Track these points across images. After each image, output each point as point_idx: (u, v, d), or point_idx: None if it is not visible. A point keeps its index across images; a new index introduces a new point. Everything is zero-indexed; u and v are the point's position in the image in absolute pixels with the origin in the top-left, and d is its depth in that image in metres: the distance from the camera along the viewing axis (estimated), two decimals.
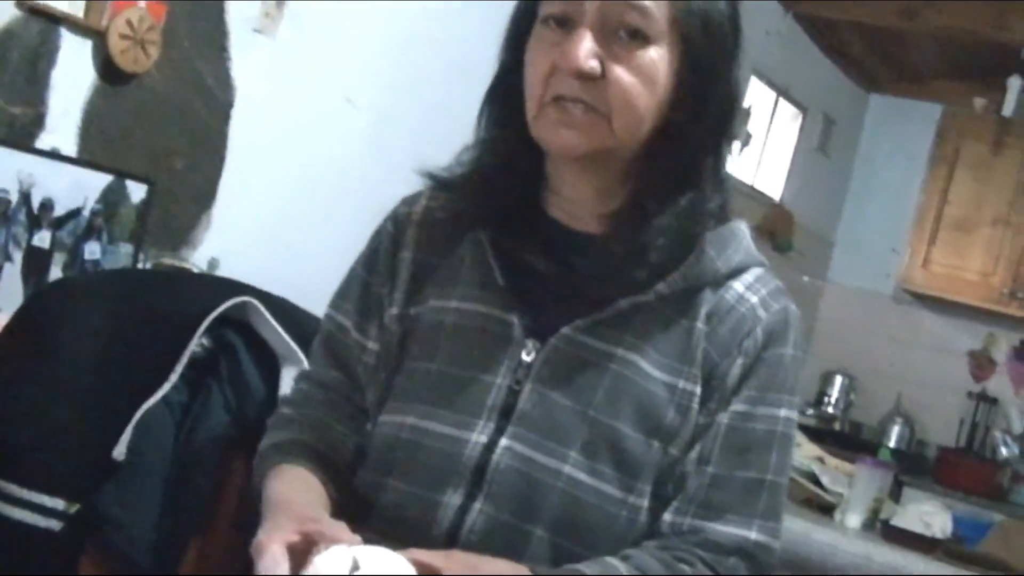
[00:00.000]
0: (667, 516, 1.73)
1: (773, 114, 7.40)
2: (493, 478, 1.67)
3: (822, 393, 7.81)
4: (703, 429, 1.73)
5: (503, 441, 1.68)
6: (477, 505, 1.67)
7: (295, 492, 1.70)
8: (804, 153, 7.75)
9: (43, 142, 3.36)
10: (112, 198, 3.53)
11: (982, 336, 7.72)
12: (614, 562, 1.66)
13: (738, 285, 1.77)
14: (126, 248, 3.59)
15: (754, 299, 1.77)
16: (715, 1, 1.73)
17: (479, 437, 1.68)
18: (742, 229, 1.83)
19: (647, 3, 1.66)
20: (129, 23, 3.39)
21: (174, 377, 2.81)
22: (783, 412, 1.76)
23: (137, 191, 3.60)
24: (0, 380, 2.89)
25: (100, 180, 3.50)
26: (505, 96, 1.78)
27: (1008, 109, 7.10)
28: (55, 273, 3.40)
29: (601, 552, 1.68)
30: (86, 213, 3.47)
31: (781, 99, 7.41)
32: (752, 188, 7.30)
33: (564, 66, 1.64)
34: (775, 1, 6.87)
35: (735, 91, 1.77)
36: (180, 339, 2.87)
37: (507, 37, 1.79)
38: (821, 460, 4.63)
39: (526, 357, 1.71)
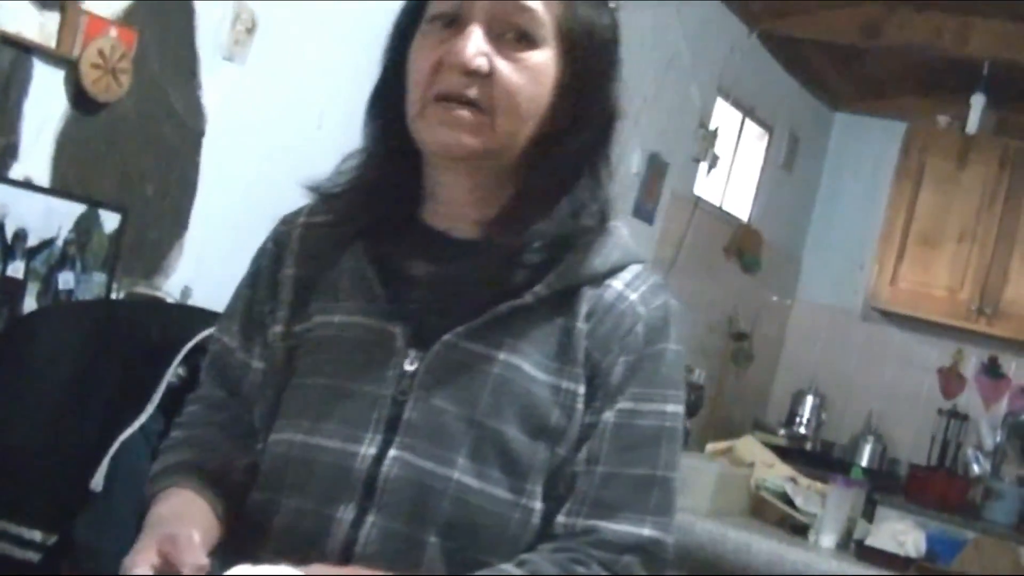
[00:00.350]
0: (560, 517, 1.72)
1: (740, 134, 7.44)
2: (384, 489, 1.66)
3: (793, 412, 7.80)
4: (590, 428, 1.73)
5: (392, 452, 1.67)
6: (370, 518, 1.66)
7: (168, 512, 1.69)
8: (771, 172, 7.79)
9: (16, 172, 3.36)
10: (85, 227, 3.52)
11: (951, 352, 7.77)
12: (510, 568, 1.66)
13: (617, 283, 1.77)
14: (100, 277, 3.58)
15: (633, 296, 1.76)
16: (599, 13, 1.74)
17: (368, 449, 1.67)
18: (619, 228, 1.81)
19: (536, 6, 1.66)
20: (101, 52, 3.39)
21: (151, 408, 2.81)
22: (669, 407, 1.76)
23: (110, 220, 3.59)
24: None
25: (73, 209, 3.50)
26: (387, 103, 1.77)
27: (972, 126, 7.15)
28: (29, 303, 3.39)
29: (497, 556, 1.68)
30: (59, 242, 3.46)
31: (747, 119, 7.44)
32: (720, 209, 7.33)
33: (451, 62, 1.64)
34: (739, 21, 6.91)
35: (616, 104, 1.77)
36: (156, 369, 2.88)
37: (390, 41, 1.78)
38: (794, 480, 4.65)
39: (409, 367, 1.70)
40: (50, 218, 3.44)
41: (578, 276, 1.73)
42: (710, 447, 5.31)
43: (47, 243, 3.44)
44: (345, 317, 1.75)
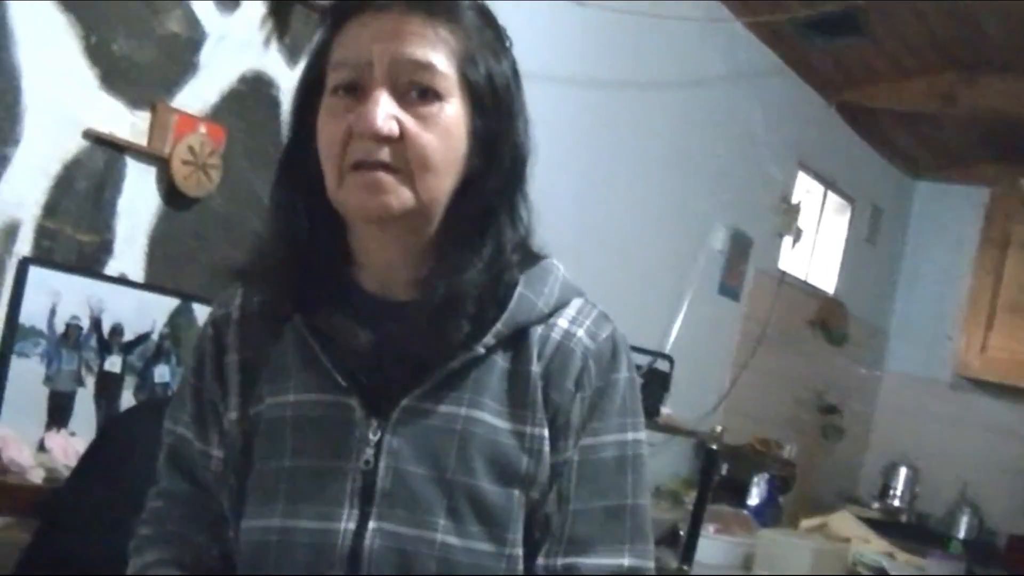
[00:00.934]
0: (540, 560, 1.73)
1: (822, 207, 7.43)
2: (369, 562, 1.66)
3: (886, 485, 7.74)
4: (557, 469, 1.73)
5: (371, 524, 1.67)
6: None
7: None
8: (854, 244, 7.78)
9: (111, 268, 3.42)
10: (179, 320, 3.58)
11: None
12: None
13: (562, 321, 1.76)
14: None
15: (580, 332, 1.76)
16: (497, 58, 1.73)
17: (347, 525, 1.67)
18: (554, 264, 1.80)
19: (435, 60, 1.65)
20: (191, 149, 3.46)
21: None
22: (630, 435, 1.77)
23: (203, 313, 3.64)
24: (76, 504, 2.93)
25: (167, 303, 3.56)
26: (296, 172, 1.76)
27: None
28: (127, 397, 3.45)
29: None
30: (155, 336, 3.52)
31: (829, 192, 7.44)
32: (805, 283, 7.31)
33: (361, 129, 1.62)
34: (816, 94, 6.92)
35: (525, 144, 1.76)
36: None
37: (295, 112, 1.77)
38: (891, 555, 4.62)
39: (373, 436, 1.69)
40: (145, 313, 3.50)
41: (523, 320, 1.73)
42: (804, 523, 5.28)
43: (142, 337, 3.49)
44: (298, 395, 1.74)
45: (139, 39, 3.38)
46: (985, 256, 7.64)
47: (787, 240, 6.84)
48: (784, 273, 6.93)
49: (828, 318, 7.42)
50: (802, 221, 6.87)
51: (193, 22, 3.52)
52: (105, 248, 3.40)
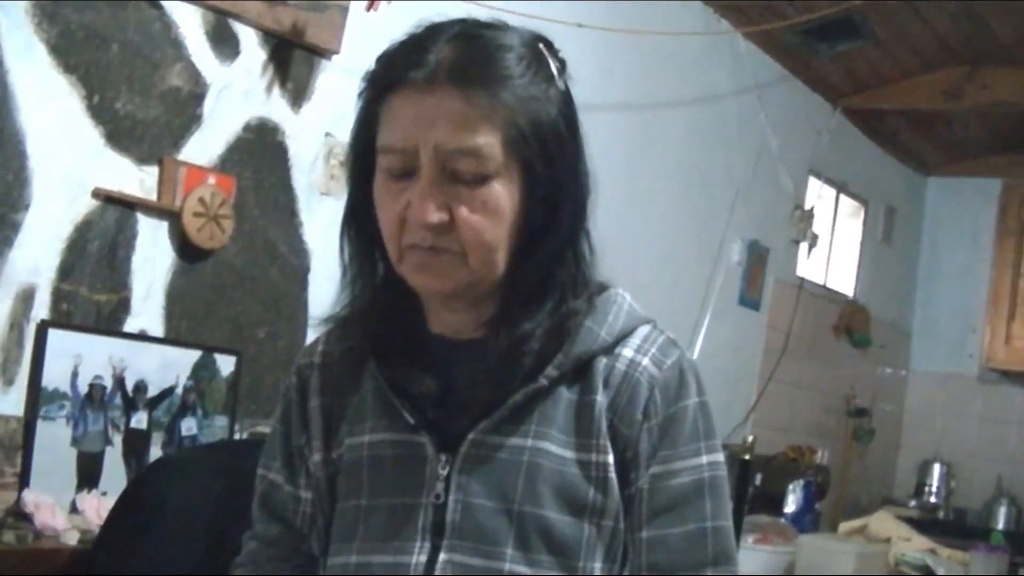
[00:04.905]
0: None
1: (835, 211, 7.42)
2: None
3: (921, 483, 7.73)
4: (629, 500, 1.75)
5: (441, 556, 1.70)
6: None
7: None
8: (870, 246, 7.76)
9: (130, 325, 3.42)
10: (202, 373, 3.59)
11: None
12: None
13: (627, 351, 1.77)
14: (221, 420, 3.64)
15: (645, 360, 1.77)
16: (545, 88, 1.71)
17: (419, 558, 1.71)
18: (619, 294, 1.82)
19: (479, 144, 1.64)
20: (202, 201, 3.46)
21: None
22: (705, 459, 1.77)
23: (226, 363, 3.65)
24: (110, 560, 2.92)
25: (189, 356, 3.56)
26: (360, 222, 1.79)
27: None
28: (154, 452, 3.45)
29: None
30: (179, 390, 3.52)
31: (841, 195, 7.43)
32: (824, 287, 7.30)
33: (412, 219, 1.65)
34: (822, 99, 6.92)
35: (584, 187, 1.78)
36: None
37: (350, 175, 1.80)
38: (933, 552, 4.59)
39: (442, 471, 1.73)
40: (167, 368, 3.50)
41: (586, 352, 1.75)
42: (843, 527, 5.26)
43: (167, 392, 3.50)
44: (373, 436, 1.80)
45: (142, 95, 3.39)
46: (1003, 247, 7.63)
47: (803, 247, 6.84)
48: (803, 280, 6.92)
49: (850, 322, 7.41)
50: (817, 226, 6.87)
51: (194, 75, 3.53)
52: (123, 306, 3.41)
